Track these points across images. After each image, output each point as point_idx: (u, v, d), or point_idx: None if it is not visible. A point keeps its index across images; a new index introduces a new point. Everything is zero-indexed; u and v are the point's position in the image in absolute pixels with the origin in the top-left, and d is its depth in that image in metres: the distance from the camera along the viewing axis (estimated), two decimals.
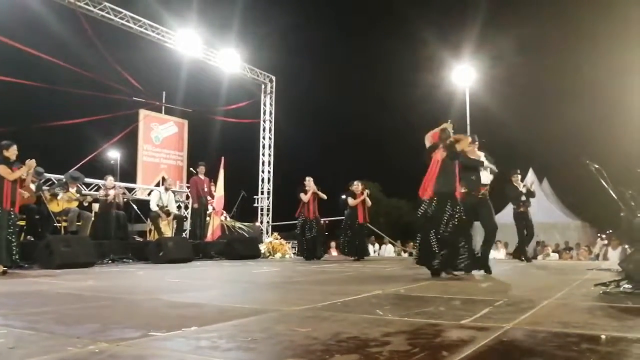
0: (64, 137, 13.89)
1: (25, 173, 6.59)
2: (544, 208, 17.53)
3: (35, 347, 2.12)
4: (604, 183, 5.00)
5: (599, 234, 19.80)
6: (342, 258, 10.88)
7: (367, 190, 10.73)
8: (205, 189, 11.37)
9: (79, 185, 9.68)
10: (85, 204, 9.47)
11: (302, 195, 10.41)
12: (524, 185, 9.62)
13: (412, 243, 14.77)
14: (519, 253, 9.69)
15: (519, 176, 9.68)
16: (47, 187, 9.02)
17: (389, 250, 16.16)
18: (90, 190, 10.98)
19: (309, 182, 10.46)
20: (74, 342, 2.18)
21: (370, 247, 15.12)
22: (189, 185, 12.57)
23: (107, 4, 11.25)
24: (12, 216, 6.46)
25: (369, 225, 11.26)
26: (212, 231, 11.44)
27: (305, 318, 2.86)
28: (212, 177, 11.86)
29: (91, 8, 10.96)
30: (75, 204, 9.05)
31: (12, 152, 6.41)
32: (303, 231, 10.47)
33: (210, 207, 11.65)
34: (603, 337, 2.31)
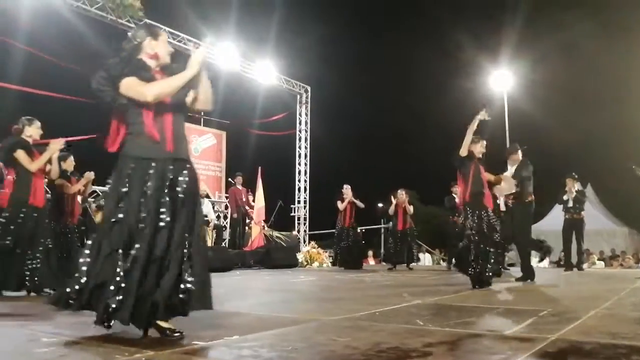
0: (107, 151, 14.30)
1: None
2: (588, 215, 16.97)
3: (84, 355, 2.19)
4: None
5: None
6: (381, 267, 10.80)
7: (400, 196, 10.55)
8: (244, 199, 11.53)
9: None
10: None
11: (338, 203, 10.47)
12: (571, 191, 9.26)
13: None
14: (569, 264, 9.35)
15: (572, 181, 9.30)
16: (93, 199, 9.31)
17: (427, 259, 15.97)
18: None
19: (347, 190, 10.49)
20: (121, 350, 2.25)
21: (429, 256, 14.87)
22: (227, 195, 12.76)
23: (148, 21, 11.59)
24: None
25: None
26: (252, 241, 11.57)
27: (344, 328, 2.86)
28: (250, 187, 12.02)
29: (132, 25, 11.32)
30: None
31: (69, 164, 5.98)
32: (339, 240, 10.48)
33: (249, 217, 11.79)
34: None
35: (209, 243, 10.64)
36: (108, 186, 2.65)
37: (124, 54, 2.72)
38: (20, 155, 4.77)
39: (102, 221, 2.59)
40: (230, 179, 12.11)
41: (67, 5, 10.18)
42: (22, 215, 4.71)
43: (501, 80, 17.90)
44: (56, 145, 5.00)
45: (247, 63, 14.22)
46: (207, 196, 12.28)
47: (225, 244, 11.85)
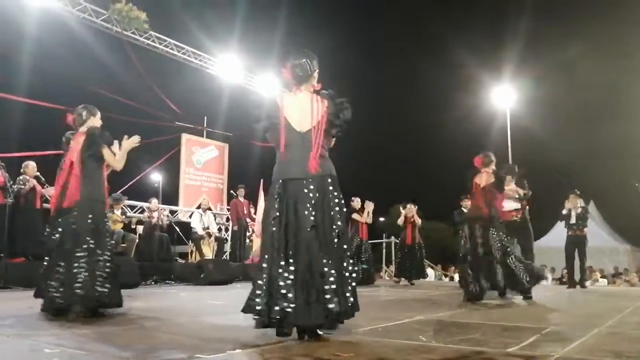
0: None
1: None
2: (591, 232, 16.92)
3: None
4: None
5: None
6: (383, 282, 10.72)
7: (406, 210, 10.52)
8: (245, 211, 11.52)
9: (124, 207, 9.96)
10: (133, 227, 9.73)
11: (356, 215, 10.02)
12: (575, 207, 9.23)
13: (453, 267, 14.51)
14: (572, 281, 9.29)
15: (576, 198, 9.27)
16: None
17: (429, 274, 15.89)
18: (134, 212, 11.30)
19: (357, 202, 10.21)
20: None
21: (431, 271, 14.78)
22: (229, 207, 12.77)
23: (153, 33, 11.69)
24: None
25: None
26: (254, 254, 11.54)
27: (346, 343, 2.85)
28: (252, 199, 12.01)
29: (137, 37, 11.42)
30: (120, 225, 9.31)
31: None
32: (360, 254, 9.96)
33: (250, 229, 11.78)
34: None
35: (210, 255, 10.62)
36: (337, 201, 3.07)
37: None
38: (107, 152, 4.11)
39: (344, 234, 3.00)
40: (232, 191, 12.12)
41: (74, 17, 10.28)
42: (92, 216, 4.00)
43: (504, 96, 17.97)
44: (132, 141, 4.30)
45: (250, 76, 14.31)
46: (209, 208, 12.29)
47: (226, 256, 11.83)
